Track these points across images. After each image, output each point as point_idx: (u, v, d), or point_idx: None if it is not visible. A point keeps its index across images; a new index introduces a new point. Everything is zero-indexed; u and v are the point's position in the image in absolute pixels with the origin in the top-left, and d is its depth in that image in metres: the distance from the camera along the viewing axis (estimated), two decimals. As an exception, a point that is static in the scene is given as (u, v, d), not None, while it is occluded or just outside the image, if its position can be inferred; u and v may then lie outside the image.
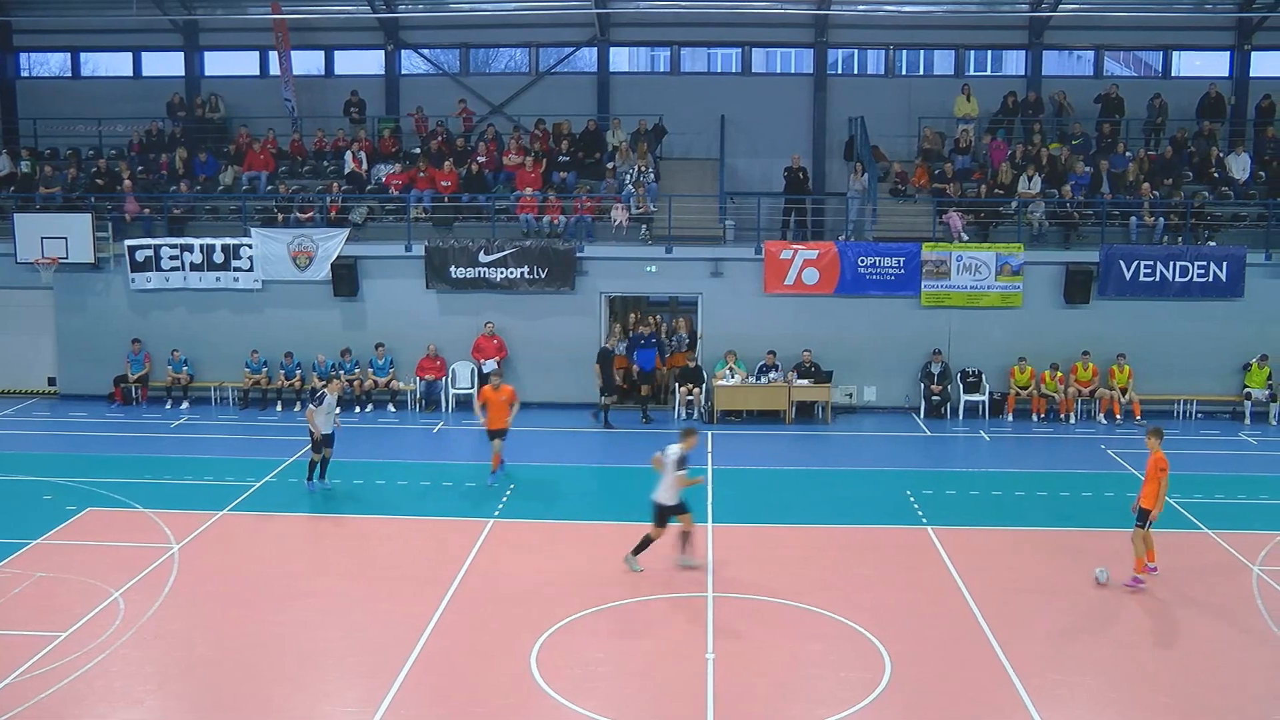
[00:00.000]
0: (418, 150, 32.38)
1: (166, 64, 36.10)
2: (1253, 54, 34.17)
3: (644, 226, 29.59)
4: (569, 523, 20.52)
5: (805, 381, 27.96)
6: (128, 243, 30.03)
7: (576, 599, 16.91)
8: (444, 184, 30.60)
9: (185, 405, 29.49)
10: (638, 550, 17.89)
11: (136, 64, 36.58)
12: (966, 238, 29.17)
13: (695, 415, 27.85)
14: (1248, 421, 28.50)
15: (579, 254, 28.84)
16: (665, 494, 17.80)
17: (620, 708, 13.83)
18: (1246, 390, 28.76)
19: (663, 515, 17.86)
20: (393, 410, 28.65)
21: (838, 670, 14.70)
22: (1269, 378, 28.66)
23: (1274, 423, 28.44)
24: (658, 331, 29.18)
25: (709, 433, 26.21)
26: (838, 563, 18.46)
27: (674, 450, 17.84)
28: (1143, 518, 17.25)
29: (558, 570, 18.18)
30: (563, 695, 14.12)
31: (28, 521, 20.72)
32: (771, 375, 27.91)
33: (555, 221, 29.58)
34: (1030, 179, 30.00)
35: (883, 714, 13.60)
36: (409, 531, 20.18)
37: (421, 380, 28.95)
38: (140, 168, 32.81)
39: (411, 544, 19.58)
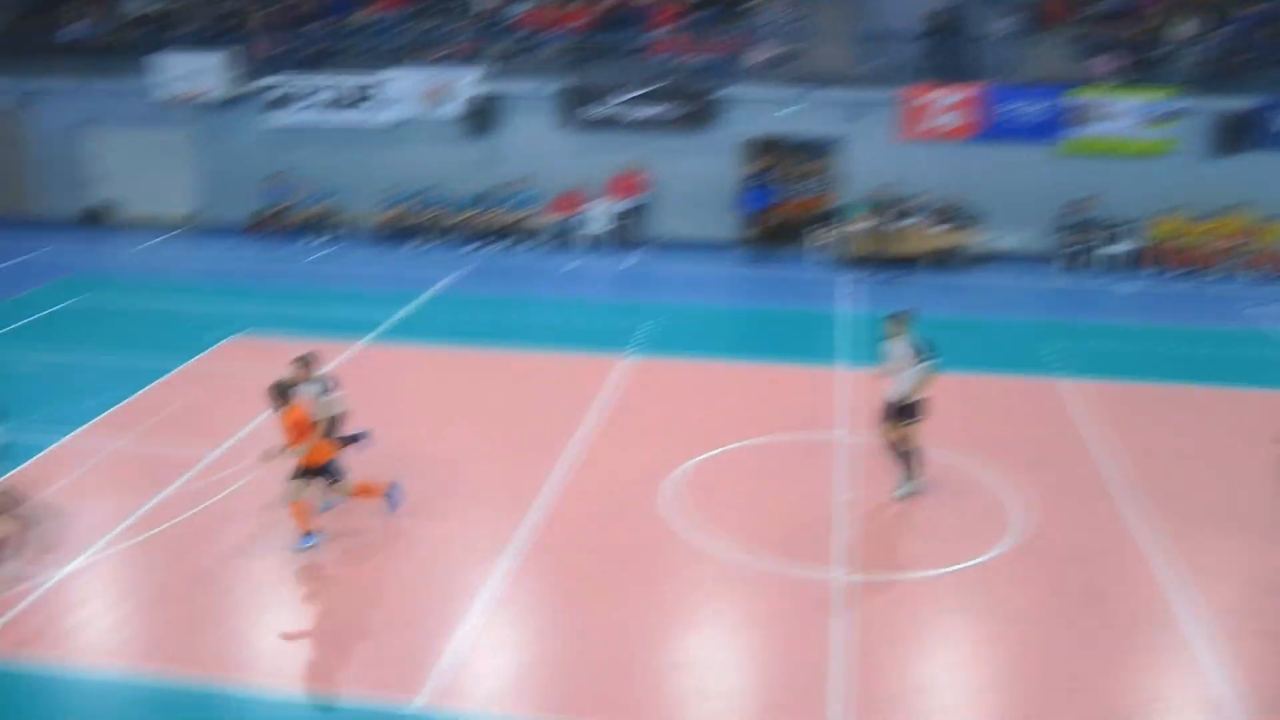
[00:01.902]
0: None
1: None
2: None
3: (782, 66, 28.97)
4: (702, 360, 20.51)
5: (942, 228, 27.49)
6: (264, 81, 30.25)
7: (707, 437, 17.01)
8: (578, 22, 30.24)
9: (324, 238, 29.88)
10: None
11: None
12: (1115, 82, 28.14)
13: (829, 259, 27.52)
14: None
15: (716, 94, 28.42)
16: (897, 389, 15.02)
17: (749, 546, 13.97)
18: None
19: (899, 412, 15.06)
20: (529, 246, 28.74)
21: (964, 519, 14.65)
22: None
23: None
24: (779, 174, 28.82)
25: (845, 278, 25.95)
26: (971, 413, 18.16)
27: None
28: None
29: (689, 407, 18.26)
30: (692, 533, 14.28)
31: (174, 347, 21.35)
32: (907, 221, 27.46)
33: (693, 59, 29.12)
34: (1185, 20, 28.71)
35: (1009, 567, 13.56)
36: (543, 366, 20.38)
37: (557, 217, 28.98)
38: (276, 6, 32.84)
39: (545, 379, 19.78)
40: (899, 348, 14.79)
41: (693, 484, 15.60)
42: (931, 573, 13.34)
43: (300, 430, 13.49)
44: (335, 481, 14.14)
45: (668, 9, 29.96)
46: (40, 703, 11.57)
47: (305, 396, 14.41)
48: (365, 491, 14.48)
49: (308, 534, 13.93)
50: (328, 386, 15.06)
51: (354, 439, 15.44)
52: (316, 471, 13.81)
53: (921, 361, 14.67)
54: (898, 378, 14.82)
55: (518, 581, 13.32)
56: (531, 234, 29.05)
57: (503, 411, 18.27)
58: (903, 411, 14.87)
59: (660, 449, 16.62)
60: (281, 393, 13.59)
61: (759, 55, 28.68)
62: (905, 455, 15.11)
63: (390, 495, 14.60)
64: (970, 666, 11.80)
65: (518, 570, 13.53)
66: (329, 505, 14.62)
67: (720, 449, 16.63)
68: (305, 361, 15.03)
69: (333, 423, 14.81)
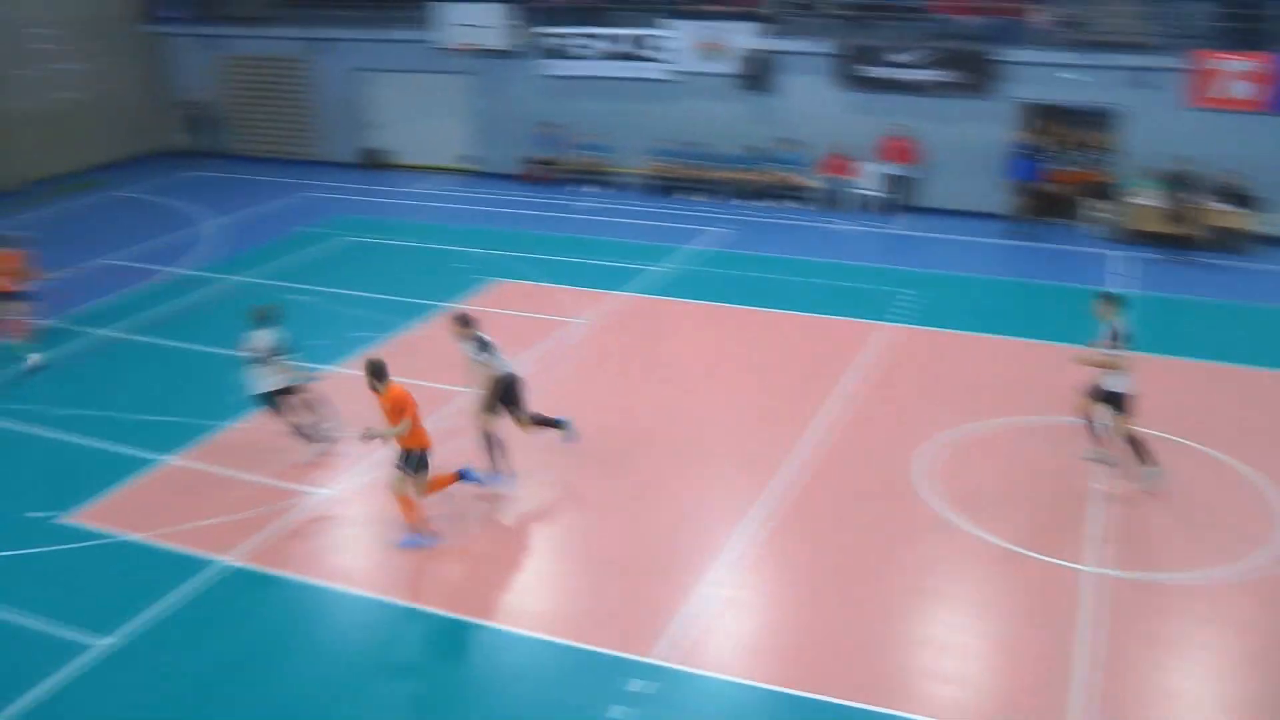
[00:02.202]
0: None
1: None
2: None
3: (1066, 29, 27.82)
4: (963, 333, 19.96)
5: (1226, 207, 26.01)
6: (540, 30, 30.76)
7: (965, 411, 16.59)
8: (857, -21, 29.73)
9: (592, 189, 30.29)
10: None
11: None
12: None
13: (1102, 234, 26.39)
14: None
15: (994, 58, 27.52)
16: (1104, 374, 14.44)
17: (1000, 527, 13.59)
18: None
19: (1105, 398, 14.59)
20: (796, 206, 28.49)
21: (1227, 519, 13.85)
22: None
23: None
24: (1054, 142, 27.69)
25: (1117, 254, 24.88)
26: (1241, 409, 17.02)
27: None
28: None
29: (947, 380, 17.84)
30: (943, 507, 13.97)
31: (440, 287, 22.09)
32: (1189, 198, 26.06)
33: (972, 21, 28.26)
34: None
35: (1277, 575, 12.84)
36: (801, 328, 20.21)
37: (826, 178, 28.63)
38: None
39: (802, 341, 19.62)
40: (1105, 330, 14.20)
41: (947, 458, 15.27)
42: (1190, 574, 12.72)
43: (399, 410, 13.01)
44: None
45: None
46: (285, 614, 12.33)
47: (464, 353, 14.73)
48: (438, 485, 13.72)
49: (416, 534, 13.43)
50: (486, 345, 14.66)
51: (553, 424, 15.24)
52: (422, 459, 13.26)
53: (1120, 347, 14.05)
54: (1104, 362, 14.25)
55: (762, 545, 13.31)
56: (799, 194, 28.78)
57: (757, 372, 18.22)
58: (1109, 398, 14.37)
59: (915, 420, 16.31)
60: (376, 372, 13.08)
61: (1041, 17, 27.62)
62: (1130, 442, 14.47)
63: (465, 476, 13.95)
64: (1228, 681, 11.22)
65: (763, 534, 13.52)
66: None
67: (977, 424, 16.20)
68: (464, 320, 14.81)
69: (497, 385, 14.61)
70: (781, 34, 28.90)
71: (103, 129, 34.75)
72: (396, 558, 13.22)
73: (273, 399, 15.33)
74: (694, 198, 29.05)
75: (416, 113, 33.37)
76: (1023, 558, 12.94)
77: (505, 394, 14.53)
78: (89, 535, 13.63)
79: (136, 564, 13.05)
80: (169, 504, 14.31)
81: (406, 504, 13.35)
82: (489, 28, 30.83)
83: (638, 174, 30.23)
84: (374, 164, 33.92)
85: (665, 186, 29.72)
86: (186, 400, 17.29)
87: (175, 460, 15.35)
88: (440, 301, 21.27)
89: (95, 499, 14.43)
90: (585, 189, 30.27)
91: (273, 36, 34.63)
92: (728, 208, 28.25)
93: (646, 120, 30.12)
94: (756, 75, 28.84)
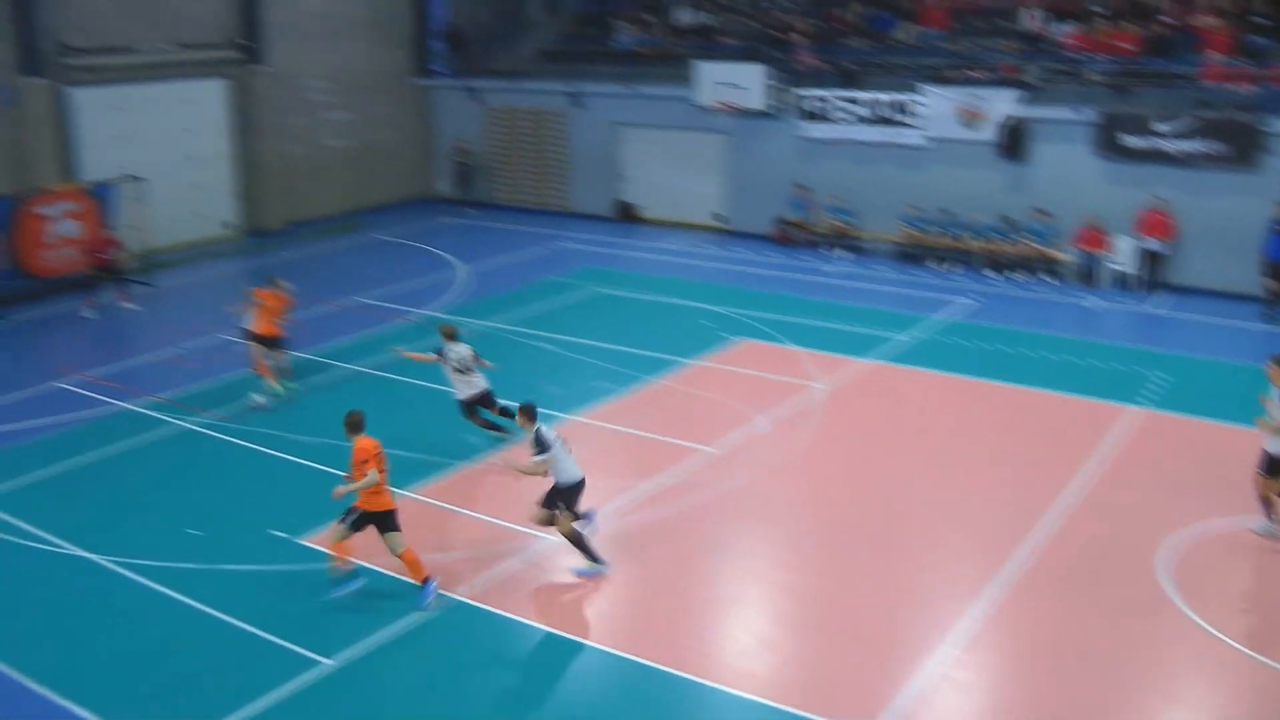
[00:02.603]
0: (1098, 9, 30.47)
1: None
2: None
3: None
4: (1215, 422, 18.63)
5: None
6: (799, 92, 30.65)
7: (1219, 503, 15.44)
8: (1124, 46, 28.65)
9: (841, 253, 29.88)
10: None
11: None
12: None
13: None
14: None
15: (1264, 129, 26.04)
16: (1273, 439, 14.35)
17: (1249, 635, 12.49)
18: None
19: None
20: (1048, 280, 27.47)
21: None
22: None
23: None
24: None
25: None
26: None
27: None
28: None
29: (1197, 470, 16.67)
30: (1185, 604, 12.98)
31: (687, 342, 22.02)
32: None
33: (1243, 90, 26.87)
34: None
35: None
36: (1045, 406, 19.26)
37: (1080, 251, 27.54)
38: (816, 20, 33.26)
39: (1046, 419, 18.68)
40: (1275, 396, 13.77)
41: (1193, 552, 14.22)
42: None
43: (360, 461, 12.82)
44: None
45: (1222, 34, 27.79)
46: (505, 653, 12.27)
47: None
48: (412, 565, 13.13)
49: (425, 581, 13.07)
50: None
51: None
52: (363, 518, 13.00)
53: None
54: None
55: (994, 624, 12.62)
56: (1051, 266, 27.78)
57: (998, 448, 17.44)
58: (1273, 465, 13.98)
59: (1161, 510, 15.26)
60: (350, 424, 13.21)
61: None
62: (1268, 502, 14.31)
63: (425, 588, 13.11)
64: None
65: (996, 611, 12.83)
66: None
67: (1227, 519, 15.08)
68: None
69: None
70: (1041, 101, 28.06)
71: (369, 175, 36.24)
72: (619, 608, 13.04)
73: (471, 407, 16.88)
74: (944, 267, 28.31)
75: (670, 169, 33.64)
76: (1268, 669, 11.89)
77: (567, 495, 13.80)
78: (324, 558, 13.89)
79: (366, 589, 13.22)
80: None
81: (340, 550, 13.15)
82: (748, 88, 30.87)
83: (888, 240, 29.69)
84: (626, 217, 34.30)
85: (915, 254, 29.08)
86: (425, 438, 17.56)
87: (410, 494, 15.55)
88: (683, 357, 21.19)
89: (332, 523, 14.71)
90: (834, 253, 29.87)
91: (536, 90, 35.53)
92: (978, 278, 27.40)
93: (899, 186, 29.59)
94: (1013, 143, 28.04)
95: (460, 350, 17.23)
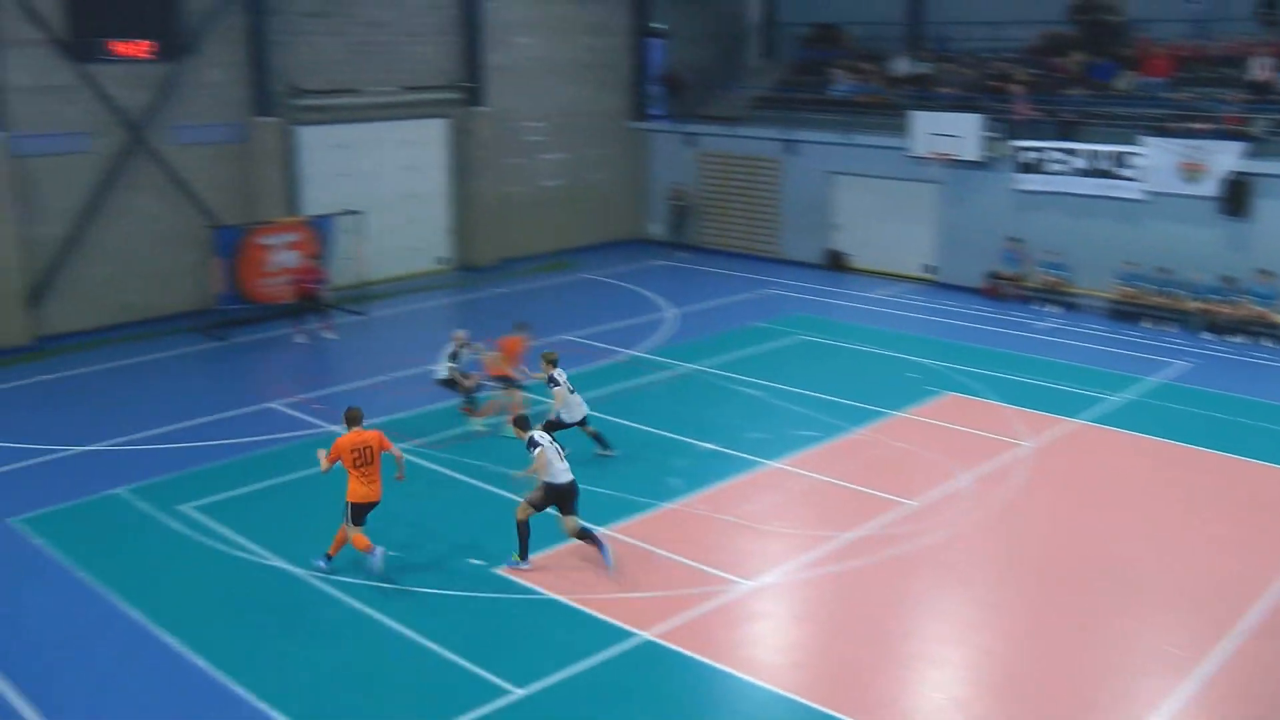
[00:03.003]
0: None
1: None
2: None
3: None
4: None
5: None
6: (1015, 143, 30.25)
7: None
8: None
9: (1053, 308, 29.32)
10: None
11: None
12: None
13: None
14: None
15: None
16: None
17: None
18: None
19: None
20: (1270, 345, 26.45)
21: None
22: None
23: None
24: None
25: None
26: None
27: None
28: None
29: None
30: None
31: (892, 394, 21.94)
32: None
33: None
34: None
35: None
36: (1264, 478, 18.45)
37: (1303, 315, 26.49)
38: (1035, 70, 32.83)
39: (1267, 492, 17.97)
40: None
41: None
42: None
43: (332, 454, 14.58)
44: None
45: None
46: (695, 697, 12.37)
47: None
48: (340, 542, 14.90)
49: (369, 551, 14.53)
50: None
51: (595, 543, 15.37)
52: (355, 509, 14.69)
53: None
54: None
55: (1203, 704, 12.24)
56: (1274, 330, 26.73)
57: (1211, 517, 16.85)
58: None
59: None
60: (347, 418, 14.89)
61: None
62: None
63: (370, 556, 14.62)
64: None
65: (1207, 691, 12.44)
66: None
67: None
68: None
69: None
70: (1268, 154, 27.09)
71: (582, 215, 37.15)
72: (812, 658, 13.09)
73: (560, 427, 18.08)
74: (1161, 326, 27.50)
75: (881, 218, 33.54)
76: None
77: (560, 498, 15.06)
78: (520, 589, 14.36)
79: (559, 623, 13.60)
80: (597, 572, 14.83)
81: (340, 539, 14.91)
82: (963, 138, 30.62)
83: (1101, 297, 29.01)
84: (835, 266, 34.29)
85: (1129, 312, 28.32)
86: (626, 478, 17.91)
87: (609, 532, 15.87)
88: (887, 408, 21.13)
89: (531, 555, 15.13)
90: (1047, 309, 29.32)
91: (750, 136, 35.89)
92: (1194, 340, 26.52)
93: (1115, 241, 28.89)
94: (1236, 198, 27.11)
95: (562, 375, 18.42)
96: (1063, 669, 12.84)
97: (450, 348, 20.25)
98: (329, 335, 26.56)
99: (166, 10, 27.18)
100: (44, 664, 12.95)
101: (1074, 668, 12.86)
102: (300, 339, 26.18)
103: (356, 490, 14.58)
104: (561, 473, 14.85)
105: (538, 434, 15.06)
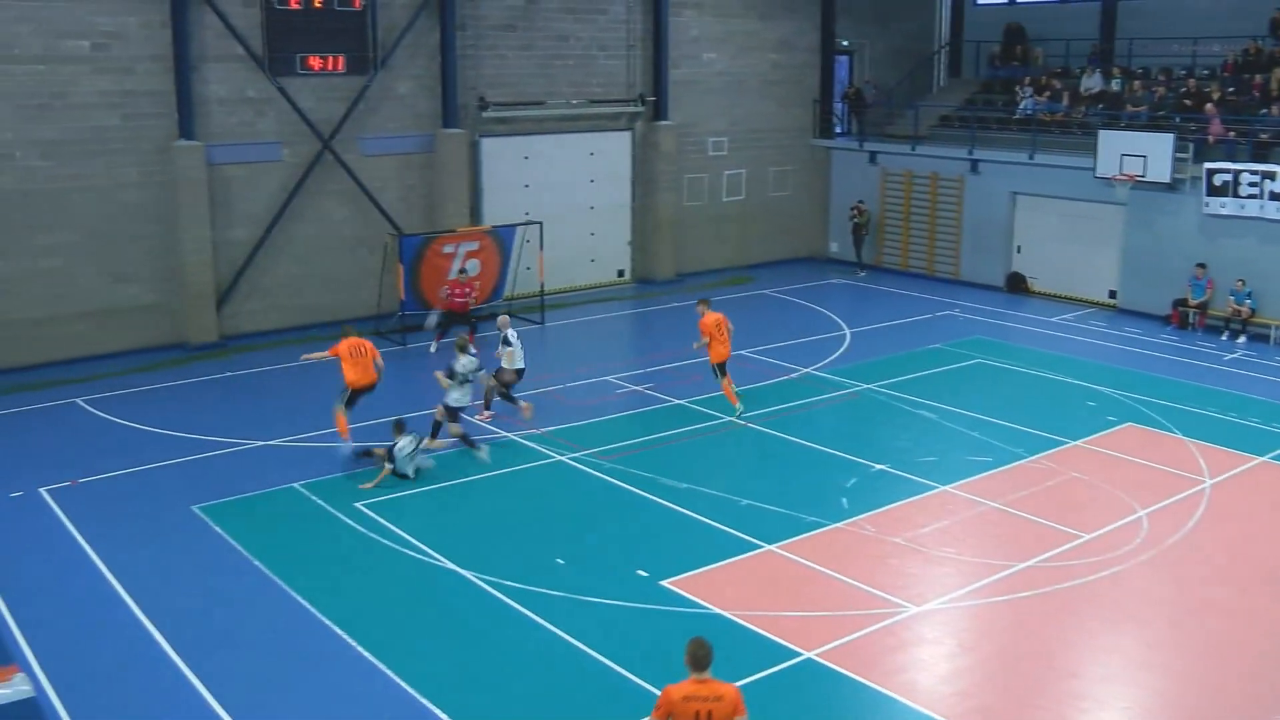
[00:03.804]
0: None
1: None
2: None
3: None
4: None
5: None
6: (1206, 165, 29.35)
7: None
8: None
9: (1242, 339, 28.43)
10: None
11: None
12: None
13: None
14: None
15: None
16: None
17: None
18: None
19: None
20: None
21: None
22: None
23: None
24: None
25: None
26: None
27: None
28: None
29: None
30: None
31: (1069, 422, 21.62)
32: None
33: None
34: None
35: None
36: None
37: None
38: (1231, 88, 31.89)
39: None
40: None
41: None
42: None
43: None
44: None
45: None
46: (855, 718, 12.50)
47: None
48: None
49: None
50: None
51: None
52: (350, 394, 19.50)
53: None
54: None
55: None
56: None
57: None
58: None
59: None
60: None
61: None
62: None
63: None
64: None
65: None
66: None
67: None
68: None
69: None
70: None
71: (762, 230, 37.34)
72: (976, 688, 13.04)
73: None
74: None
75: (1064, 241, 32.93)
76: None
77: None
78: (684, 602, 14.61)
79: (722, 638, 13.66)
80: (761, 589, 15.04)
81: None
82: (1152, 159, 29.82)
83: (1297, 326, 28.07)
84: (1015, 289, 33.80)
85: (1328, 344, 27.34)
86: (796, 494, 18.04)
87: (776, 549, 16.06)
88: (1064, 437, 20.80)
89: (696, 570, 15.50)
90: (1237, 340, 28.43)
91: (933, 155, 35.62)
92: None
93: (1312, 268, 27.91)
94: None
95: (469, 361, 19.93)
96: (1235, 717, 12.58)
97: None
98: (433, 348, 26.71)
99: (360, 27, 28.31)
100: (216, 647, 13.70)
101: (1246, 716, 12.60)
102: (433, 348, 26.69)
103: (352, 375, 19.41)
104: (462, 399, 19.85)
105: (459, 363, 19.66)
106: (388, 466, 18.55)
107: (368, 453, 19.37)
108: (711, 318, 21.72)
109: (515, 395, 21.57)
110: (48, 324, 25.36)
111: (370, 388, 19.90)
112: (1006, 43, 38.68)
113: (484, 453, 19.63)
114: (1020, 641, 13.94)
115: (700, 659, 9.70)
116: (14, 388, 23.64)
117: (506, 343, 21.45)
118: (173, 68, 26.11)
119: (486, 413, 21.90)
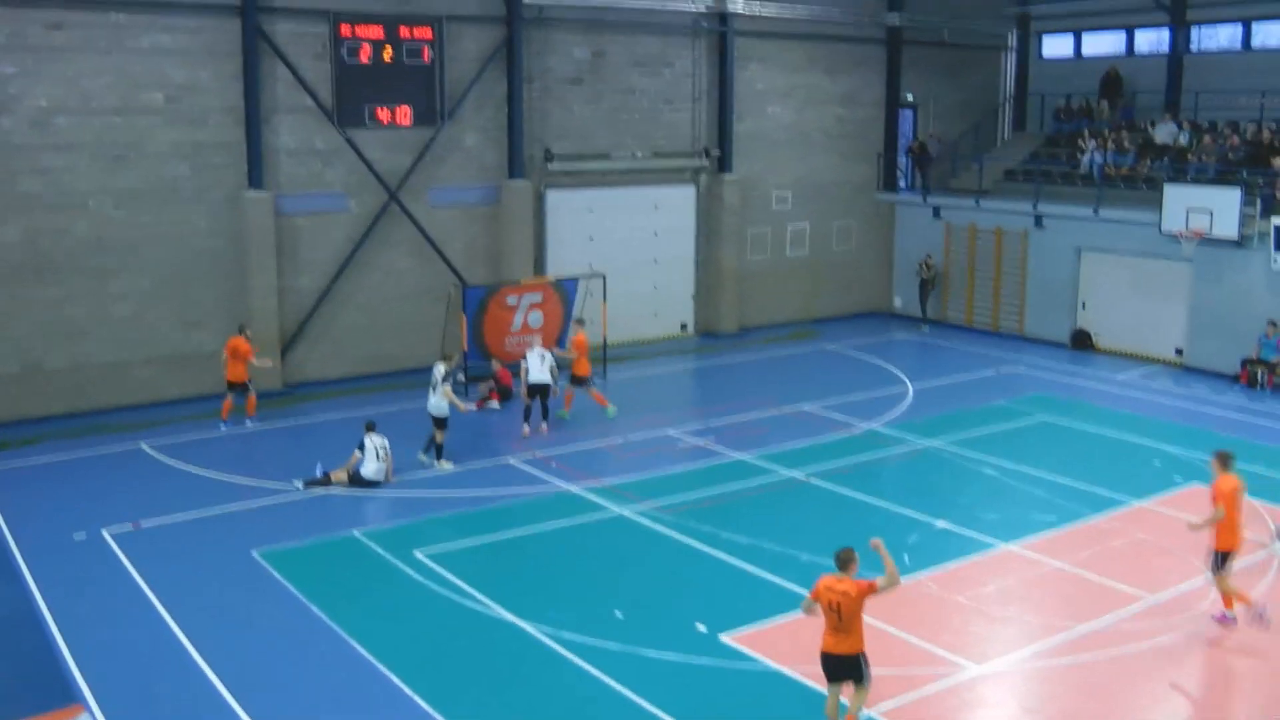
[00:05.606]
0: None
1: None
2: None
3: None
4: None
5: None
6: (1275, 221, 29.00)
7: None
8: None
9: (1307, 400, 28.01)
10: None
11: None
12: None
13: None
14: None
15: None
16: None
17: None
18: None
19: None
20: None
21: None
22: None
23: None
24: None
25: None
26: None
27: None
28: None
29: None
30: None
31: (1135, 481, 21.35)
32: None
33: None
34: None
35: None
36: None
37: None
38: (1305, 145, 31.56)
39: None
40: None
41: None
42: None
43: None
44: None
45: None
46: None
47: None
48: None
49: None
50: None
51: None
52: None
53: None
54: None
55: None
56: None
57: None
58: None
59: None
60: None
61: None
62: None
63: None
64: None
65: None
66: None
67: None
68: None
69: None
70: None
71: (825, 285, 37.38)
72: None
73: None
74: None
75: (1130, 297, 32.61)
76: None
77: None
78: (741, 657, 14.52)
79: (781, 695, 13.71)
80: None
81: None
82: (1220, 214, 29.47)
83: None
84: (1080, 345, 33.47)
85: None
86: (857, 550, 17.76)
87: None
88: (1130, 497, 20.53)
89: (754, 624, 15.41)
90: (1302, 399, 27.98)
91: (998, 209, 35.47)
92: None
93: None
94: None
95: (378, 440, 20.97)
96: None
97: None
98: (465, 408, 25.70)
99: (428, 79, 28.70)
100: (272, 691, 13.77)
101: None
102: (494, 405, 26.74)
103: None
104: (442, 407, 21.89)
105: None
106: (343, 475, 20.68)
107: (324, 480, 20.60)
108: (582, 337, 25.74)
109: (542, 412, 24.47)
110: (117, 369, 25.85)
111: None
112: (1104, 93, 38.05)
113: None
114: (1084, 705, 13.70)
115: (842, 560, 12.51)
116: (83, 430, 24.06)
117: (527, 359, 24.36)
118: (243, 119, 26.67)
119: (526, 427, 24.26)
